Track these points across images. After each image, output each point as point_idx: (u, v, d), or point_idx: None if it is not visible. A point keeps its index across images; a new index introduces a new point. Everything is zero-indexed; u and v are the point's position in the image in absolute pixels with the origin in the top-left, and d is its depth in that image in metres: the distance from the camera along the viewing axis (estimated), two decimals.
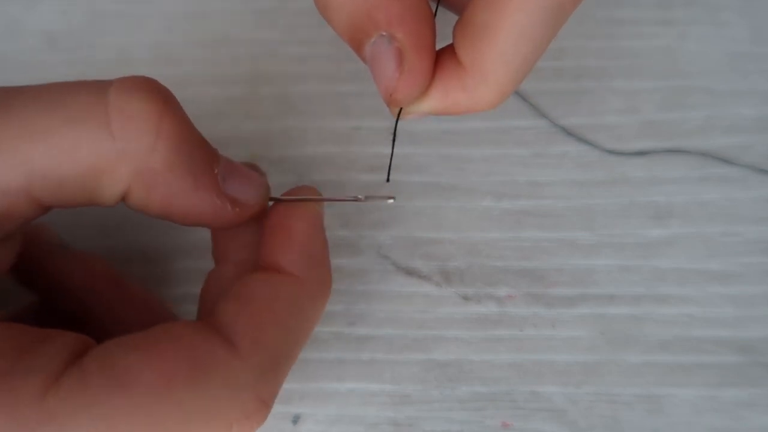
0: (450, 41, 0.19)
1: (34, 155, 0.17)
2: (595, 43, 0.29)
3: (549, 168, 0.28)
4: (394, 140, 0.21)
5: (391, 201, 0.22)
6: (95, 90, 0.17)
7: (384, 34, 0.17)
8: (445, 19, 0.20)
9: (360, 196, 0.22)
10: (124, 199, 0.19)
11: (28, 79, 0.30)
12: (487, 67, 0.18)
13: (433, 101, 0.19)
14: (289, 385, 0.26)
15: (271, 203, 0.21)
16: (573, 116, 0.28)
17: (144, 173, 0.18)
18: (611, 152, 0.28)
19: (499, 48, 0.17)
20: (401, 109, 0.19)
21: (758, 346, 0.26)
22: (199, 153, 0.19)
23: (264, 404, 0.18)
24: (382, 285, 0.27)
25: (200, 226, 0.20)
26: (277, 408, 0.26)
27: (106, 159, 0.17)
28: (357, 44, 0.18)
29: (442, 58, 0.19)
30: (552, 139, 0.28)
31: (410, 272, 0.27)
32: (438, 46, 0.19)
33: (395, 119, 0.20)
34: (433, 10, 0.18)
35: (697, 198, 0.27)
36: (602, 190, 0.28)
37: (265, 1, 0.30)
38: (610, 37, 0.29)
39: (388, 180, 0.22)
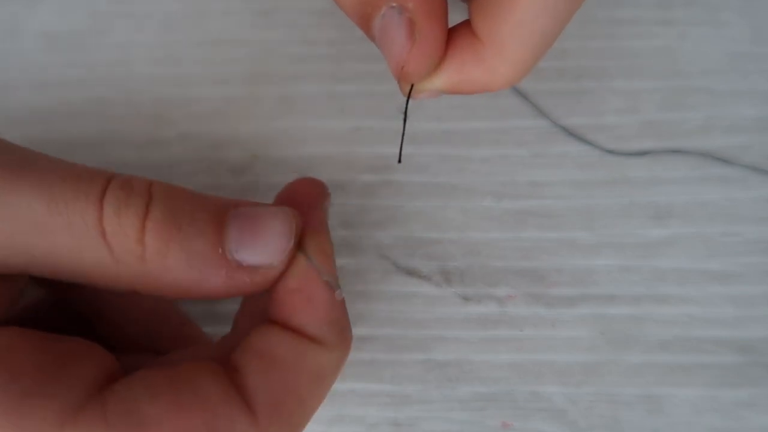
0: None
1: (34, 248, 0.17)
2: (595, 43, 0.29)
3: (549, 168, 0.28)
4: (405, 119, 0.20)
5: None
6: (94, 196, 0.17)
7: (394, 5, 0.16)
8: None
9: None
10: (131, 293, 0.19)
11: (28, 79, 0.30)
12: (504, 38, 0.17)
13: (446, 76, 0.18)
14: None
15: None
16: (573, 116, 0.28)
17: (144, 278, 0.18)
18: (611, 152, 0.28)
19: (518, 17, 0.16)
20: (412, 86, 0.19)
21: (758, 346, 0.26)
22: (198, 242, 0.18)
23: None
24: (382, 285, 0.27)
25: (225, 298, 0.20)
26: None
27: (105, 268, 0.17)
28: (365, 19, 0.17)
29: (457, 32, 0.18)
30: (552, 139, 0.28)
31: (410, 272, 0.27)
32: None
33: (406, 97, 0.19)
34: None
35: (697, 198, 0.27)
36: (602, 190, 0.28)
37: (265, 1, 0.30)
38: (610, 37, 0.29)
39: (399, 161, 0.22)
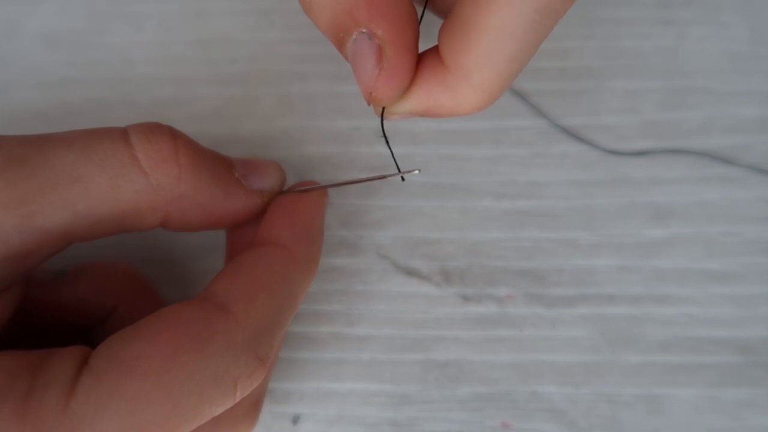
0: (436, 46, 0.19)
1: (77, 199, 0.18)
2: (595, 43, 0.29)
3: (549, 168, 0.28)
4: (386, 140, 0.21)
5: (417, 172, 0.22)
6: (118, 137, 0.19)
7: (364, 31, 0.17)
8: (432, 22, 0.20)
9: (386, 174, 0.22)
10: (162, 225, 0.21)
11: (28, 79, 0.30)
12: (470, 65, 0.17)
13: (414, 101, 0.19)
14: (289, 385, 0.26)
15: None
16: (573, 116, 0.28)
17: (177, 201, 0.20)
18: (611, 152, 0.28)
19: (482, 46, 0.16)
20: (384, 108, 0.19)
21: (758, 346, 0.26)
22: (217, 166, 0.21)
23: (262, 363, 0.19)
24: (381, 285, 0.27)
25: (236, 225, 0.22)
26: (277, 408, 0.26)
27: (145, 195, 0.19)
28: (339, 43, 0.18)
29: (426, 58, 0.18)
30: (552, 139, 0.28)
31: (410, 272, 0.27)
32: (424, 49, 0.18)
33: (380, 119, 0.19)
34: (419, 15, 0.18)
35: (697, 198, 0.27)
36: (602, 190, 0.28)
37: (265, 1, 0.30)
38: (610, 37, 0.29)
39: (398, 170, 0.22)
